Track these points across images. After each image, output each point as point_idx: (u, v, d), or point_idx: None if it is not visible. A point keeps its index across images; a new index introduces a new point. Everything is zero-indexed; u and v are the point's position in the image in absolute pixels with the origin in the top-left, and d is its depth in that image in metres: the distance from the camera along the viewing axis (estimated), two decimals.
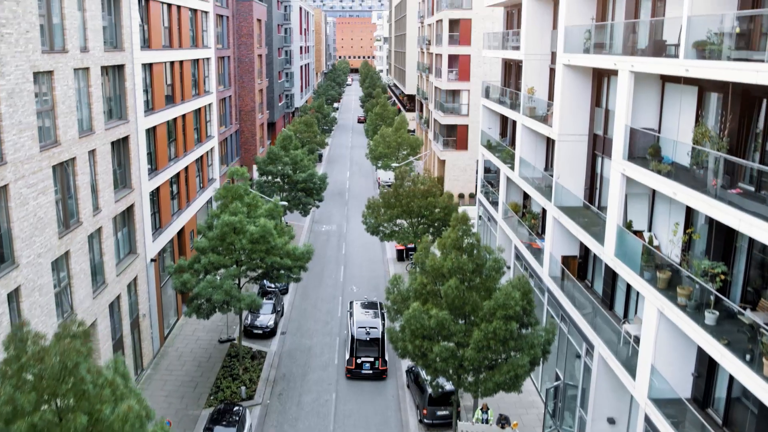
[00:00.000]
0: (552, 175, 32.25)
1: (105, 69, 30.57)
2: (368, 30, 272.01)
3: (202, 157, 47.40)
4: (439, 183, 70.04)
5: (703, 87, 20.75)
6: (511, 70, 43.43)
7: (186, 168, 43.07)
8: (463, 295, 24.14)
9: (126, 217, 33.46)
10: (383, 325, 37.61)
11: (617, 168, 23.42)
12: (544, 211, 34.26)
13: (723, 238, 19.44)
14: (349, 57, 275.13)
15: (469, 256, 25.33)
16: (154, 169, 37.12)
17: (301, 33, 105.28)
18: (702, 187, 18.41)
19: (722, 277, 18.43)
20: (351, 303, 41.63)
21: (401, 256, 52.37)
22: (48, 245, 24.61)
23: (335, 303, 45.32)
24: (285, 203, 49.42)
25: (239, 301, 31.73)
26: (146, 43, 36.06)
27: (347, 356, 36.66)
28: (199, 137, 47.04)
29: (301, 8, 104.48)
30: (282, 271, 34.02)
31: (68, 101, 26.09)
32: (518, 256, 38.14)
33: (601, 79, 28.44)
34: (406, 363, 37.09)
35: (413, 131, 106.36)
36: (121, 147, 32.62)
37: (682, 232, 21.59)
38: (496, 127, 46.45)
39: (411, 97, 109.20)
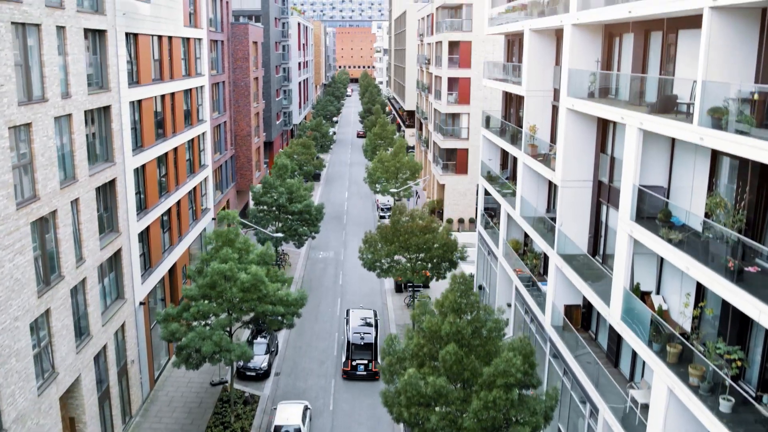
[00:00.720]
0: (554, 219, 31.11)
1: (89, 112, 29.38)
2: (368, 40, 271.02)
3: (195, 187, 46.19)
4: (439, 206, 68.89)
5: (718, 150, 19.55)
6: (512, 100, 42.26)
7: (178, 202, 41.87)
8: (462, 361, 22.91)
9: (113, 262, 32.25)
10: (376, 331, 41.41)
11: (624, 229, 22.21)
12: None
13: (739, 316, 18.21)
14: (349, 67, 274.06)
15: (469, 312, 24.17)
16: (143, 208, 35.92)
17: (299, 49, 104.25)
18: (717, 262, 17.17)
19: (738, 363, 17.20)
20: (347, 311, 44.77)
21: (399, 287, 51.11)
22: (26, 307, 23.39)
23: (331, 340, 44.03)
24: (280, 234, 48.22)
25: (229, 352, 30.51)
26: (134, 79, 34.87)
27: (343, 359, 39.84)
28: (192, 168, 45.84)
29: (299, 24, 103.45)
30: (274, 318, 32.77)
31: (48, 152, 24.89)
32: (519, 295, 36.95)
33: (606, 125, 27.26)
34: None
35: (412, 148, 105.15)
36: (107, 190, 31.42)
37: (693, 305, 20.34)
38: (497, 159, 45.25)
39: (411, 113, 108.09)
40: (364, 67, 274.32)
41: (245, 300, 30.89)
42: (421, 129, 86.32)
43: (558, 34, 33.16)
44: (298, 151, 71.31)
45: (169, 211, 40.11)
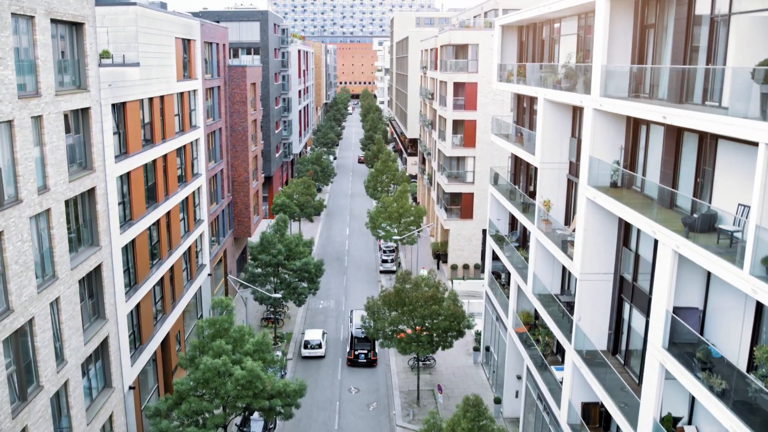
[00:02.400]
0: (570, 304, 29.07)
1: (71, 199, 27.23)
2: (369, 56, 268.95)
3: (190, 247, 44.01)
4: (443, 248, 66.76)
5: None
6: (521, 160, 40.16)
7: (171, 267, 39.74)
8: None
9: (100, 352, 30.11)
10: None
11: (656, 356, 20.08)
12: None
13: None
14: (350, 83, 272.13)
15: None
16: (133, 284, 33.80)
17: (300, 76, 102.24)
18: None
19: None
20: (351, 311, 52.10)
21: None
22: None
23: (332, 410, 41.79)
24: (279, 295, 46.11)
25: None
26: (122, 150, 32.79)
27: (347, 349, 47.94)
28: (187, 226, 43.72)
29: (299, 51, 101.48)
30: (271, 410, 30.63)
31: (23, 257, 22.80)
32: (530, 375, 34.82)
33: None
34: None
35: (415, 177, 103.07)
36: (92, 277, 29.31)
37: None
38: (505, 218, 43.15)
39: (413, 141, 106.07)
40: (365, 83, 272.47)
41: (240, 396, 28.77)
42: (424, 163, 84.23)
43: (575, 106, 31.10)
44: (299, 191, 69.12)
45: (161, 279, 37.98)
